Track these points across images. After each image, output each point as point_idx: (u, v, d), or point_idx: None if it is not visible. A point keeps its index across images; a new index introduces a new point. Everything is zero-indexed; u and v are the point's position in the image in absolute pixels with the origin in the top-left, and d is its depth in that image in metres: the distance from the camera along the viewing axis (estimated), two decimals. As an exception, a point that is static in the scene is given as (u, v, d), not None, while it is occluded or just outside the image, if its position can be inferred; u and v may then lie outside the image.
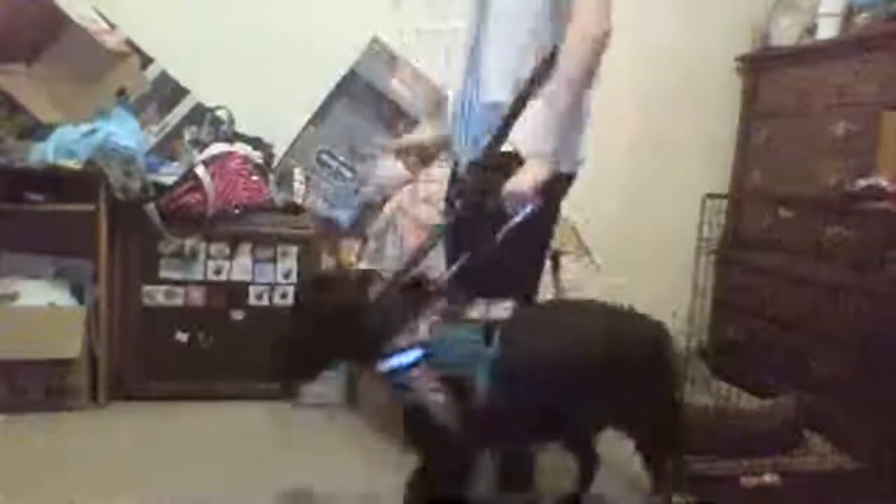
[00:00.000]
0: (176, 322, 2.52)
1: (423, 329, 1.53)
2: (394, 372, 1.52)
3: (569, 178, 1.73)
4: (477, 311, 1.58)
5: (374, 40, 2.71)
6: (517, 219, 1.55)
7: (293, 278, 2.60)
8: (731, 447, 2.14)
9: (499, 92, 1.65)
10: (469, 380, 1.49)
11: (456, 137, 1.78)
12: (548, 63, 1.61)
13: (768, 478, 2.09)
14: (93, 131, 2.34)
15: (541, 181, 1.54)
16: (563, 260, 2.64)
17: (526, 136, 1.60)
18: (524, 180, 1.54)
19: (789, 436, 2.26)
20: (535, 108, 1.61)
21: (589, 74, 1.59)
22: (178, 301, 2.51)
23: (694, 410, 2.14)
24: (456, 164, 1.82)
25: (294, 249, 2.59)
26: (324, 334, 1.55)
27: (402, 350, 1.51)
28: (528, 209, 1.55)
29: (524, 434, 1.63)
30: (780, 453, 2.19)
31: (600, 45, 1.56)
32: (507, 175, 1.57)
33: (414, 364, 1.50)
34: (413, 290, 1.59)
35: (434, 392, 1.49)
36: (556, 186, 1.64)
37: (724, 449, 2.13)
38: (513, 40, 1.63)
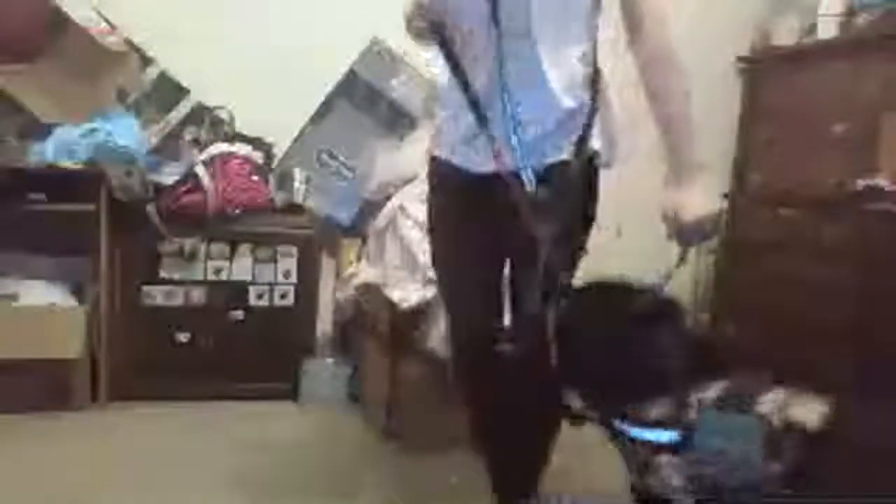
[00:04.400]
0: (176, 322, 2.52)
1: (693, 405, 1.19)
2: (639, 442, 1.22)
3: None
4: (769, 403, 1.23)
5: (374, 40, 2.71)
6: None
7: (293, 278, 2.60)
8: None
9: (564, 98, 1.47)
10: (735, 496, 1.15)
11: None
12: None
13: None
14: (93, 131, 2.34)
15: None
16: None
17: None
18: (702, 203, 1.40)
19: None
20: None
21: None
22: (178, 301, 2.51)
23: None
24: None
25: (294, 249, 2.59)
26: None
27: (658, 423, 1.19)
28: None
29: None
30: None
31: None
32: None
33: (668, 446, 1.19)
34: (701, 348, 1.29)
35: (681, 492, 1.18)
36: None
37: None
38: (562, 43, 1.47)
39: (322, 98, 2.68)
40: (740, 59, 3.24)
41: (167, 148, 2.62)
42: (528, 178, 1.41)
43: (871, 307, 2.33)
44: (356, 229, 2.63)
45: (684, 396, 1.19)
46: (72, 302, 2.42)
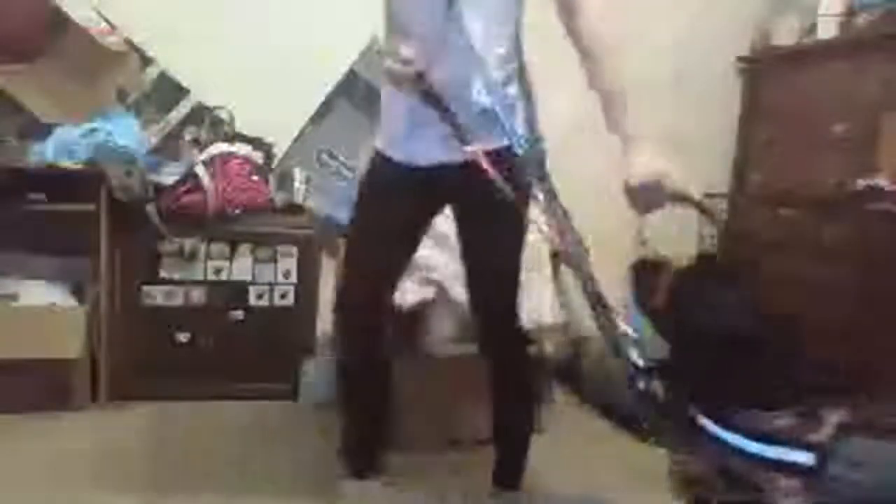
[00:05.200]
0: (176, 322, 2.52)
1: (827, 423, 1.03)
2: (737, 451, 1.06)
3: None
4: None
5: (374, 40, 2.71)
6: None
7: (293, 278, 2.60)
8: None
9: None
10: None
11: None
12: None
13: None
14: (93, 131, 2.34)
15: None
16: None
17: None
18: (643, 165, 1.54)
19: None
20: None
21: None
22: (178, 301, 2.51)
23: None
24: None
25: (294, 249, 2.59)
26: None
27: (778, 438, 1.03)
28: None
29: None
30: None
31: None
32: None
33: (796, 468, 1.02)
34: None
35: None
36: None
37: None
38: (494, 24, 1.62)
39: (322, 98, 2.69)
40: (740, 59, 3.24)
41: (167, 148, 2.62)
42: (520, 145, 1.57)
43: (871, 307, 2.33)
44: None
45: (814, 412, 1.03)
46: (72, 302, 2.41)
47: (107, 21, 2.49)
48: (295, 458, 2.17)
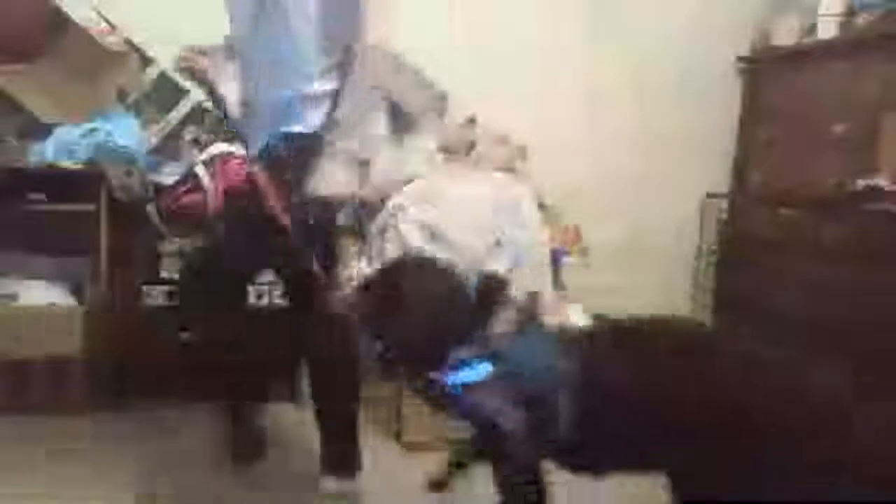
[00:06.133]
0: (176, 322, 2.51)
1: (494, 339, 1.36)
2: (460, 387, 1.34)
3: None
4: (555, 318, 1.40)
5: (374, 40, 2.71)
6: None
7: (293, 278, 2.59)
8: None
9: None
10: (547, 400, 1.31)
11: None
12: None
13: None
14: (93, 131, 2.34)
15: None
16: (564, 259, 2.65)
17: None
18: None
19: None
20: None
21: None
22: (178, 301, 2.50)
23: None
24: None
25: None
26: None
27: (469, 362, 1.34)
28: None
29: (614, 463, 1.37)
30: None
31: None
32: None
33: (484, 380, 1.33)
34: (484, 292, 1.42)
35: (507, 414, 1.31)
36: None
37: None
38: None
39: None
40: (740, 59, 3.24)
41: (167, 148, 2.61)
42: None
43: (871, 307, 2.33)
44: (356, 229, 2.63)
45: (481, 334, 1.35)
46: (72, 302, 2.41)
47: (107, 21, 2.49)
48: (295, 458, 2.16)
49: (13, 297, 2.36)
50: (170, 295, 2.49)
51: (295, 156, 1.68)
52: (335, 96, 1.71)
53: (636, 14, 3.06)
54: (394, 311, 1.39)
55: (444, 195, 2.45)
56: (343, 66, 1.72)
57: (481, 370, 1.33)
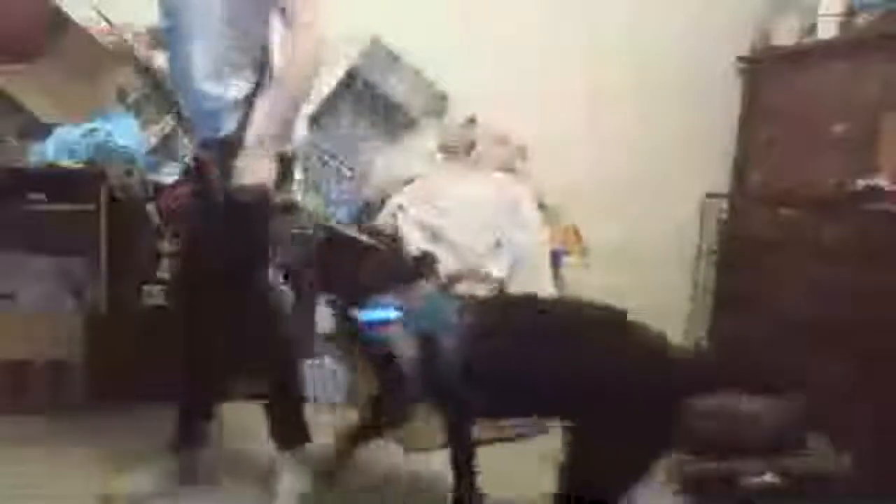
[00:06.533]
0: (176, 322, 2.51)
1: (411, 295, 1.73)
2: (371, 323, 1.72)
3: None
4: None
5: (374, 40, 2.71)
6: None
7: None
8: (730, 447, 2.14)
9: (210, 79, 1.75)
10: (434, 342, 1.65)
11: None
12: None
13: (768, 478, 2.09)
14: (93, 131, 2.34)
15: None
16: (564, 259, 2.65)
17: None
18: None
19: (789, 436, 2.26)
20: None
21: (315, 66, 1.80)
22: (178, 301, 2.50)
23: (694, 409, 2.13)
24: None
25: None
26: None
27: (385, 306, 1.70)
28: None
29: (479, 401, 1.70)
30: (780, 453, 2.19)
31: (321, 42, 1.80)
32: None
33: (391, 320, 1.69)
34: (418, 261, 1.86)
35: (404, 348, 1.67)
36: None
37: (723, 449, 2.13)
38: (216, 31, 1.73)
39: (322, 98, 2.68)
40: (740, 59, 3.24)
41: (167, 148, 2.62)
42: None
43: (871, 307, 2.33)
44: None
45: (404, 290, 1.74)
46: (72, 302, 2.41)
47: (107, 21, 2.49)
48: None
49: (12, 297, 2.36)
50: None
51: (218, 160, 1.76)
52: (251, 97, 1.75)
53: (636, 14, 3.06)
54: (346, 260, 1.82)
55: (444, 195, 2.45)
56: (260, 64, 1.76)
57: (391, 314, 1.69)
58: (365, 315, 1.72)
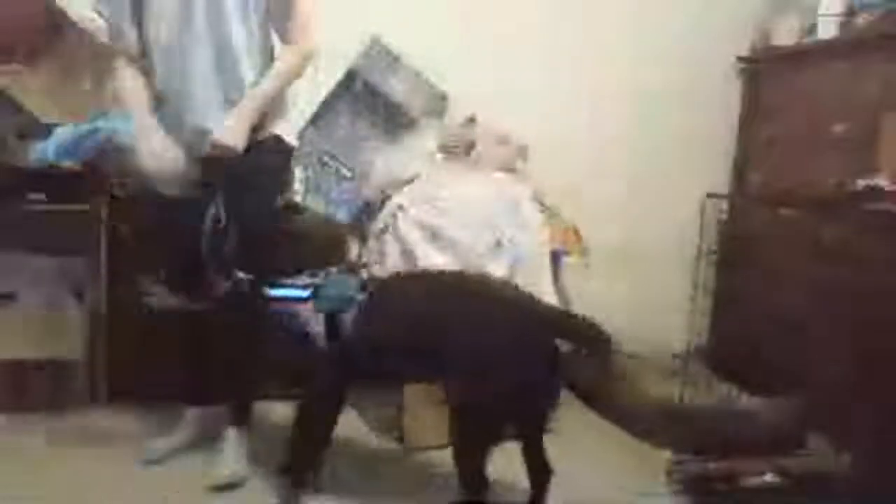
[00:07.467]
0: (176, 322, 2.50)
1: (321, 275, 1.93)
2: (283, 300, 1.91)
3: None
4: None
5: (374, 40, 2.71)
6: None
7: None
8: (730, 447, 2.14)
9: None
10: (340, 318, 1.86)
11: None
12: None
13: (768, 478, 2.09)
14: (93, 131, 2.34)
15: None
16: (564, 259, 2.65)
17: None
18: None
19: (790, 436, 2.26)
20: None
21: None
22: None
23: (694, 409, 2.14)
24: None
25: (294, 249, 2.58)
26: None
27: (297, 285, 1.90)
28: None
29: (384, 368, 1.91)
30: (780, 453, 2.19)
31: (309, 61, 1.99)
32: None
33: (302, 298, 1.89)
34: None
35: (313, 323, 1.88)
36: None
37: (724, 449, 2.13)
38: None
39: (322, 98, 2.69)
40: (740, 59, 3.24)
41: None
42: None
43: (870, 307, 2.32)
44: (356, 229, 2.63)
45: (314, 274, 1.92)
46: (72, 302, 2.41)
47: (107, 21, 2.48)
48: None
49: (13, 297, 2.36)
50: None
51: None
52: None
53: (636, 14, 3.06)
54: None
55: (444, 195, 2.45)
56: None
57: (302, 291, 1.90)
58: (272, 292, 1.92)
